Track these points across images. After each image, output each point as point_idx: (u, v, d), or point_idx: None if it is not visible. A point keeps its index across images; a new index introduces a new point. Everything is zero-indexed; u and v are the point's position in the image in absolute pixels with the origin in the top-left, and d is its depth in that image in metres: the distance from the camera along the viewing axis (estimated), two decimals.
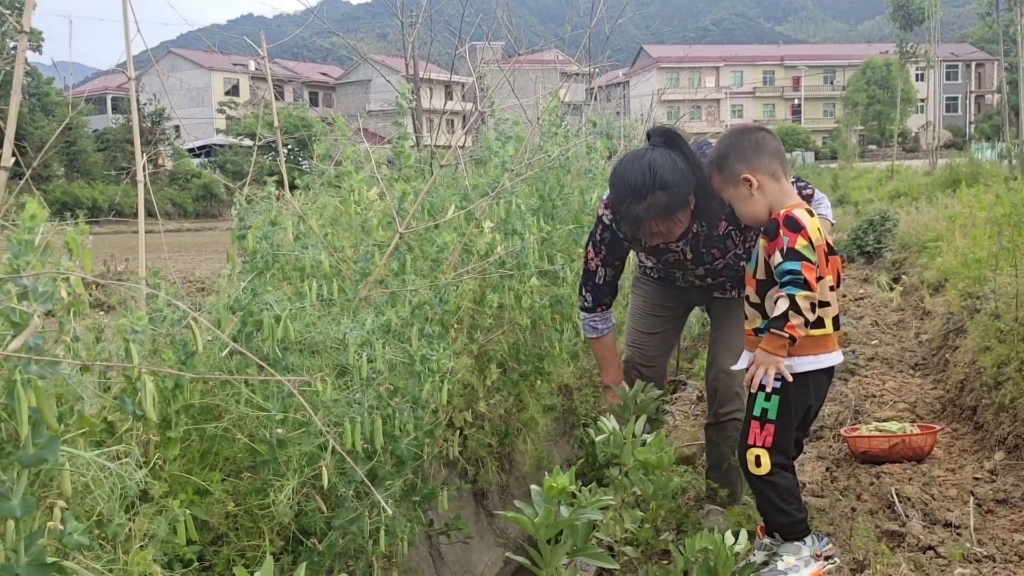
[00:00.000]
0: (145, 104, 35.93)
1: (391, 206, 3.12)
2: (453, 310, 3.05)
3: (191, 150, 44.16)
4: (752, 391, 2.56)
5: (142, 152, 2.66)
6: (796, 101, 75.19)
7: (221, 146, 43.39)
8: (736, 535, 2.51)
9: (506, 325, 3.55)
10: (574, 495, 2.25)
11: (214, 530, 2.10)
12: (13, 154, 2.08)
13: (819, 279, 2.46)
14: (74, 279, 1.62)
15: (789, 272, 2.41)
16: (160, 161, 37.65)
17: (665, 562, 2.82)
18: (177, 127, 41.84)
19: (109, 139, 39.62)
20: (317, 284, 2.49)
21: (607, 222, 3.13)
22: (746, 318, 2.68)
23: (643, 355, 3.39)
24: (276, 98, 3.92)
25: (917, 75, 57.45)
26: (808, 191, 2.96)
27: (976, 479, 3.56)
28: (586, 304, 3.29)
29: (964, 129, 63.54)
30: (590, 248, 3.22)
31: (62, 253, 1.63)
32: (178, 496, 1.95)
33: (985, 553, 2.77)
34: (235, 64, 43.39)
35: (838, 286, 2.68)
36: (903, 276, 9.33)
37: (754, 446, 2.55)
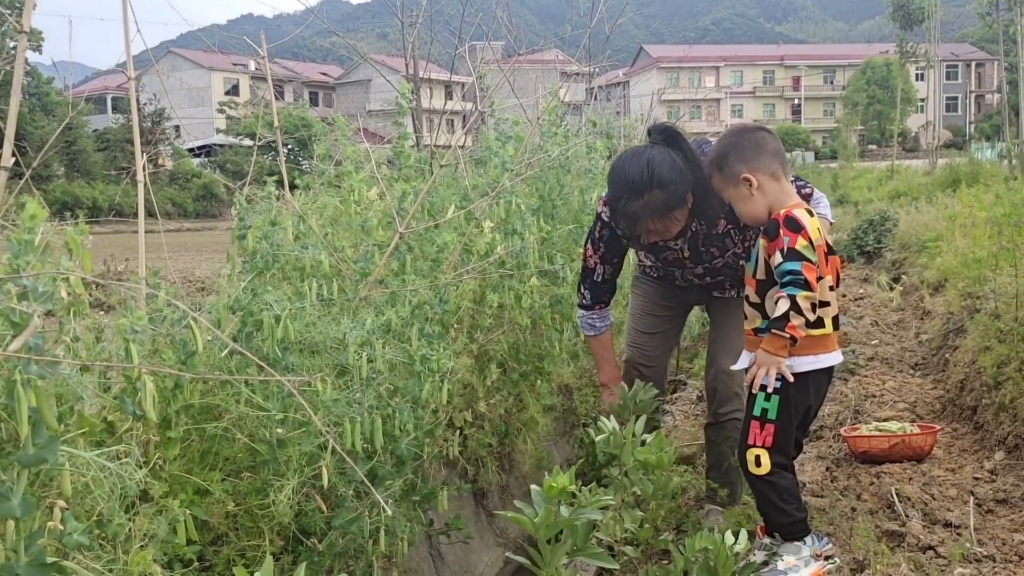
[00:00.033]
0: (145, 104, 35.94)
1: (391, 206, 3.12)
2: (453, 310, 3.05)
3: (191, 150, 44.16)
4: (753, 392, 2.56)
5: (142, 152, 2.66)
6: (796, 101, 75.19)
7: (221, 146, 43.40)
8: (736, 535, 2.51)
9: (506, 325, 3.55)
10: (574, 495, 2.25)
11: (214, 530, 2.10)
12: (13, 154, 2.08)
13: (819, 279, 2.46)
14: (74, 279, 1.62)
15: (790, 272, 2.41)
16: (160, 161, 37.66)
17: (665, 562, 2.82)
18: (177, 127, 41.84)
19: (109, 139, 39.62)
20: (317, 284, 2.49)
21: (606, 219, 3.13)
22: (746, 318, 2.68)
23: (644, 355, 3.39)
24: (276, 98, 3.92)
25: (917, 75, 57.44)
26: (807, 190, 2.96)
27: (976, 479, 3.56)
28: (584, 302, 3.29)
29: (964, 129, 63.54)
30: (589, 245, 3.22)
31: (62, 253, 1.63)
32: (178, 496, 1.95)
33: (985, 553, 2.77)
34: (235, 64, 43.42)
35: (837, 286, 2.68)
36: (903, 276, 9.33)
37: (754, 446, 2.55)
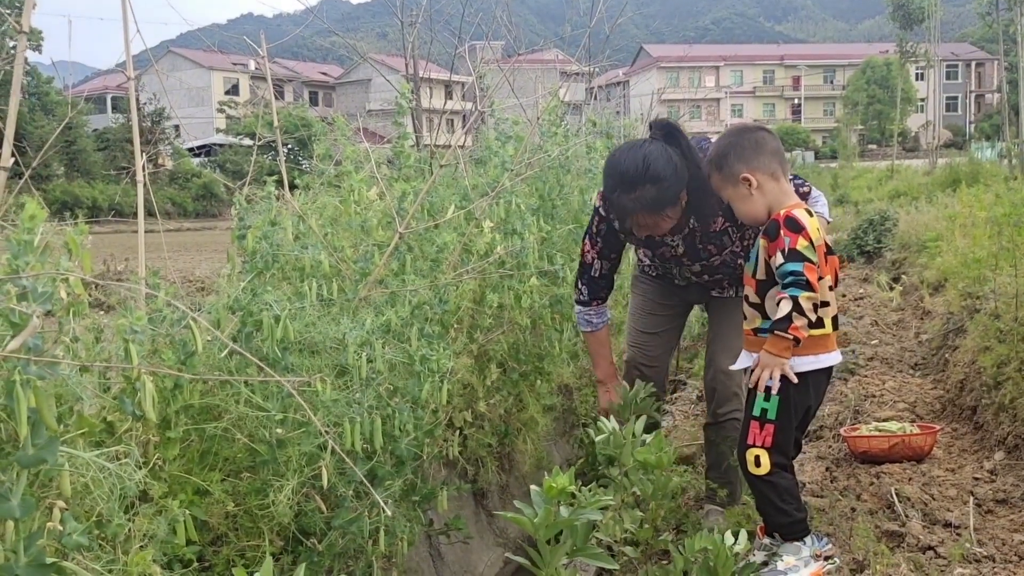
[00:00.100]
0: (145, 104, 35.95)
1: (391, 206, 3.12)
2: (453, 310, 3.05)
3: (191, 150, 44.15)
4: (758, 392, 2.55)
5: (142, 152, 2.66)
6: (796, 100, 75.19)
7: (221, 146, 43.38)
8: (736, 535, 2.51)
9: (506, 325, 3.55)
10: (574, 495, 2.25)
11: (214, 530, 2.10)
12: (13, 154, 2.08)
13: (819, 279, 2.46)
14: (73, 279, 1.62)
15: (791, 273, 2.41)
16: (160, 161, 37.66)
17: (665, 562, 2.82)
18: (177, 127, 41.82)
19: (109, 139, 39.61)
20: (317, 284, 2.49)
21: (603, 213, 3.12)
22: (745, 318, 2.67)
23: (645, 355, 3.38)
24: (276, 98, 3.92)
25: (917, 75, 57.45)
26: (805, 189, 2.95)
27: (976, 479, 3.56)
28: (581, 297, 3.29)
29: (964, 128, 63.55)
30: (586, 240, 3.22)
31: (62, 253, 1.63)
32: (178, 496, 1.95)
33: (985, 553, 2.77)
34: (235, 64, 43.44)
35: (836, 285, 2.68)
36: (903, 276, 9.33)
37: (753, 446, 2.55)
